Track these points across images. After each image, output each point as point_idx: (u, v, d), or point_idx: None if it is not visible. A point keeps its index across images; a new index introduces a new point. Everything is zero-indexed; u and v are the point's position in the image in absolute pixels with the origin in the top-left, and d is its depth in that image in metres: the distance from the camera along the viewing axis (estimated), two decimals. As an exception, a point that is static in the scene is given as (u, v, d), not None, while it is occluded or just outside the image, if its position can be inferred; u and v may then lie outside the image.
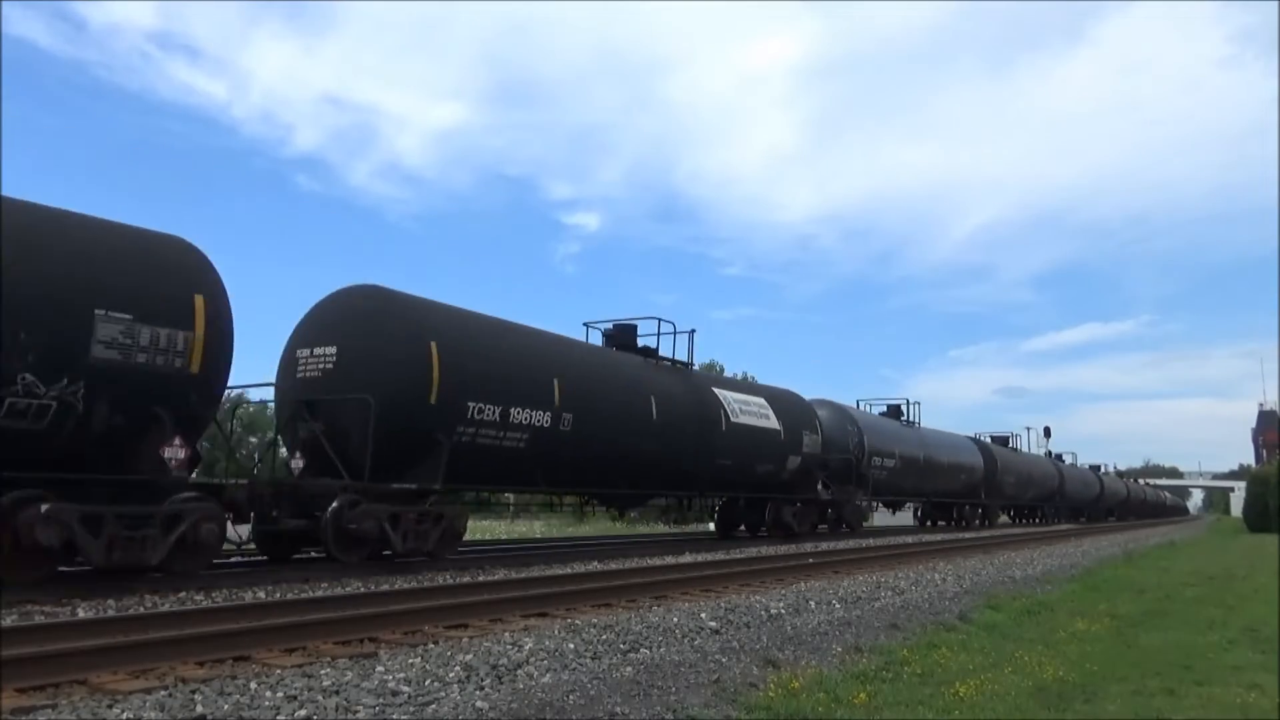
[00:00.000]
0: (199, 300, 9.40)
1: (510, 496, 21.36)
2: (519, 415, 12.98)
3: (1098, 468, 62.48)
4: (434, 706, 4.85)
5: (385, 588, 9.41)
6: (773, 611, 8.82)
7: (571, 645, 6.58)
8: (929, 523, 35.78)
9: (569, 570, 11.92)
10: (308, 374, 11.98)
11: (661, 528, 30.74)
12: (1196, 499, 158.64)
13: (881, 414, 30.51)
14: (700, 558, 14.55)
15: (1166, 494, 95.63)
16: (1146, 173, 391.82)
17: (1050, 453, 52.14)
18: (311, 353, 12.06)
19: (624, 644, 6.80)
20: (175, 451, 9.21)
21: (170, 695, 4.82)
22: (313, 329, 12.37)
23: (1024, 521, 46.19)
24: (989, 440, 40.19)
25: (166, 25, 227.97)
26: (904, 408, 31.48)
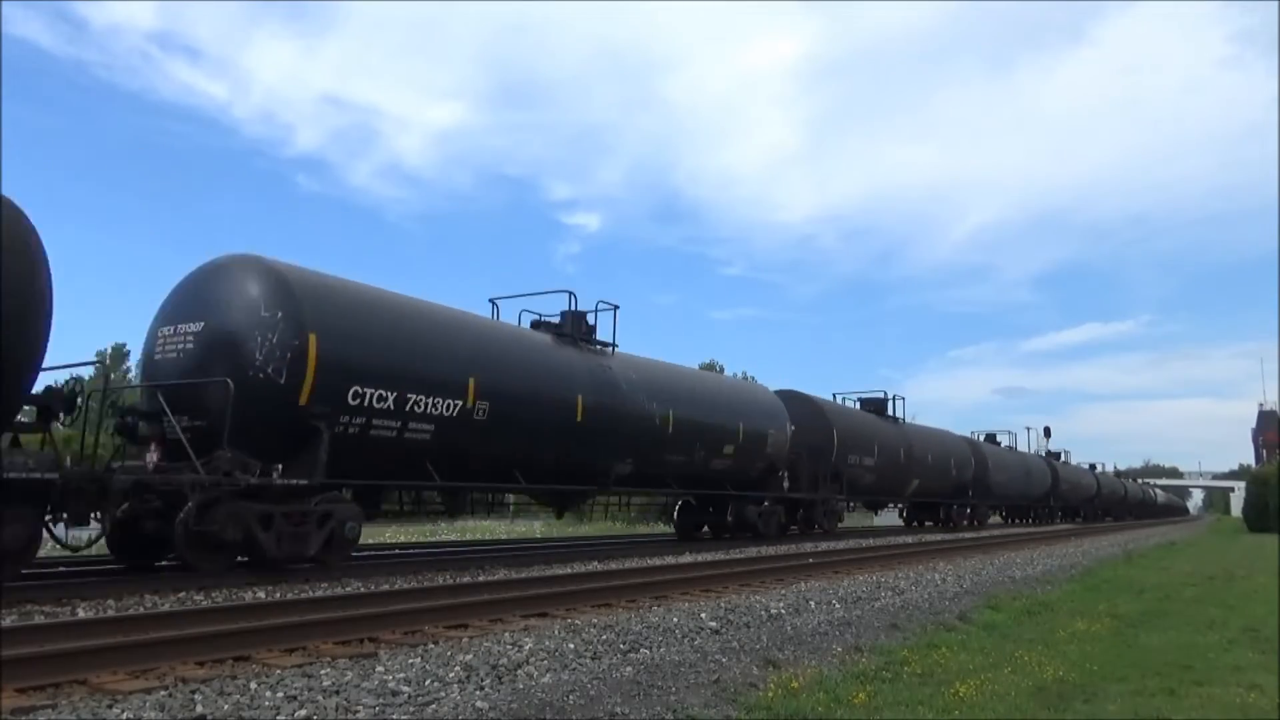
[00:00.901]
0: None
1: (510, 496, 20.08)
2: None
3: (1050, 455, 51.94)
4: (434, 706, 4.85)
5: (385, 588, 9.42)
6: (773, 611, 8.82)
7: (571, 645, 6.58)
8: (791, 526, 22.99)
9: (569, 570, 11.93)
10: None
11: (662, 527, 30.66)
12: (1196, 499, 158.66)
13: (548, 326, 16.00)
14: (700, 558, 14.57)
15: (1157, 491, 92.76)
16: (1146, 173, 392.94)
17: (1048, 448, 48.18)
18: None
19: (624, 644, 6.80)
20: None
21: (170, 695, 4.82)
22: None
23: (928, 526, 33.28)
24: (881, 404, 28.69)
25: (167, 25, 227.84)
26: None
